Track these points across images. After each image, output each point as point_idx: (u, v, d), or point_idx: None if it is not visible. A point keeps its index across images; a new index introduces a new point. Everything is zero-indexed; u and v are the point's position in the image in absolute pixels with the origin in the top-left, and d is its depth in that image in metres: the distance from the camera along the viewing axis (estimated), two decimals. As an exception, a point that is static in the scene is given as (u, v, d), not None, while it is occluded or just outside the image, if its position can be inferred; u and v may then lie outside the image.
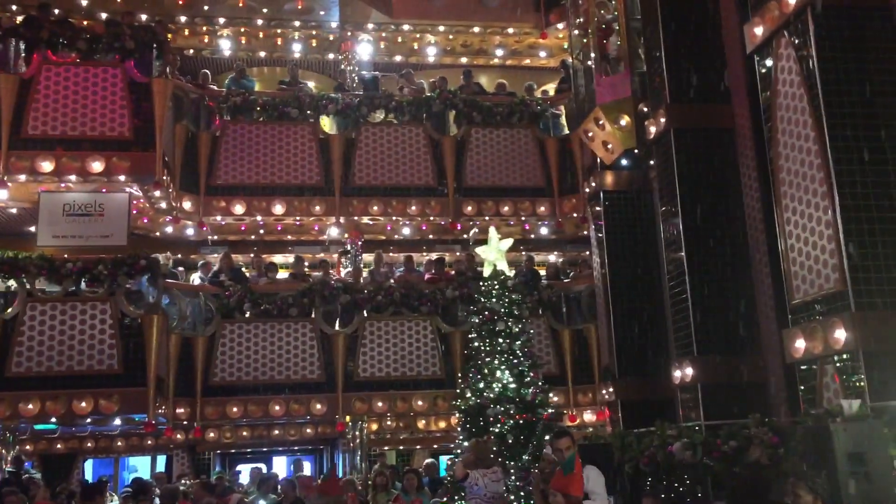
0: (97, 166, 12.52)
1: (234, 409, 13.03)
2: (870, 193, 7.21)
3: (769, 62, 8.30)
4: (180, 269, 15.30)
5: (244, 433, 15.31)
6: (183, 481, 13.57)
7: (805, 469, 4.92)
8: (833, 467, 5.23)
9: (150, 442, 15.54)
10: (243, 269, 15.17)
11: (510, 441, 10.19)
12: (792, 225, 7.86)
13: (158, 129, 12.90)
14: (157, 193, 13.14)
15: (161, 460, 16.72)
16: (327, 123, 15.26)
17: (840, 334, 6.90)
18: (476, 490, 7.64)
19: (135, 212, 13.67)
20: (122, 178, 12.73)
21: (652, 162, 11.88)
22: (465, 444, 10.22)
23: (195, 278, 14.69)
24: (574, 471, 5.21)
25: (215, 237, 15.63)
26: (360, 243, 15.71)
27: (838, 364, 7.02)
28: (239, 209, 14.45)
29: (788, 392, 8.59)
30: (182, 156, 14.38)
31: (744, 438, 7.33)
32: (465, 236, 15.92)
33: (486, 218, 15.04)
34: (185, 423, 13.25)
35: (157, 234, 15.10)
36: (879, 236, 7.07)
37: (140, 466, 17.04)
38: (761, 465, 7.11)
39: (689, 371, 9.67)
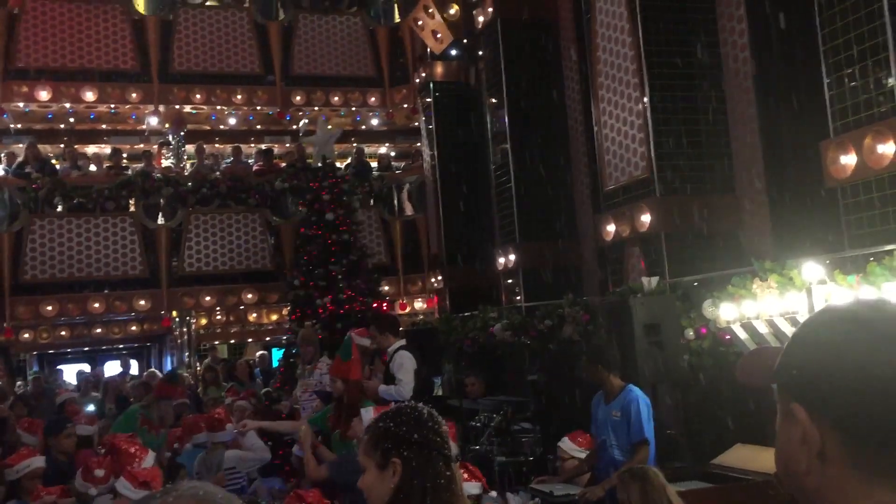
0: None
1: (49, 308, 12.35)
2: (677, 86, 7.64)
3: (590, -47, 8.44)
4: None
5: (63, 333, 14.60)
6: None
7: (601, 343, 5.32)
8: (631, 338, 5.70)
9: (-45, 345, 14.52)
10: (53, 161, 14.12)
11: (339, 327, 10.31)
12: (607, 115, 8.22)
13: (-58, 2, 11.53)
14: (-54, 75, 11.86)
15: (-29, 364, 15.70)
16: (140, 4, 14.19)
17: (645, 218, 7.39)
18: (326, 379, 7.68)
19: (-80, 96, 12.32)
20: None
21: (480, 53, 11.96)
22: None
23: (-3, 170, 13.54)
24: (352, 357, 5.38)
25: (19, 126, 14.37)
26: (182, 133, 14.97)
27: (643, 245, 7.55)
28: (44, 95, 13.31)
29: (600, 273, 9.19)
30: (-26, 34, 12.97)
31: (558, 317, 7.80)
32: (294, 127, 15.53)
33: (316, 108, 14.71)
34: (-7, 323, 12.46)
35: (-50, 121, 13.72)
36: (683, 126, 7.54)
37: (-53, 372, 15.94)
38: (573, 340, 7.62)
39: (512, 257, 10.08)
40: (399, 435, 2.15)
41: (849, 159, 5.19)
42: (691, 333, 5.82)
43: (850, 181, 5.24)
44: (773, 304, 4.75)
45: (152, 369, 14.11)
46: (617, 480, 3.76)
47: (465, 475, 3.70)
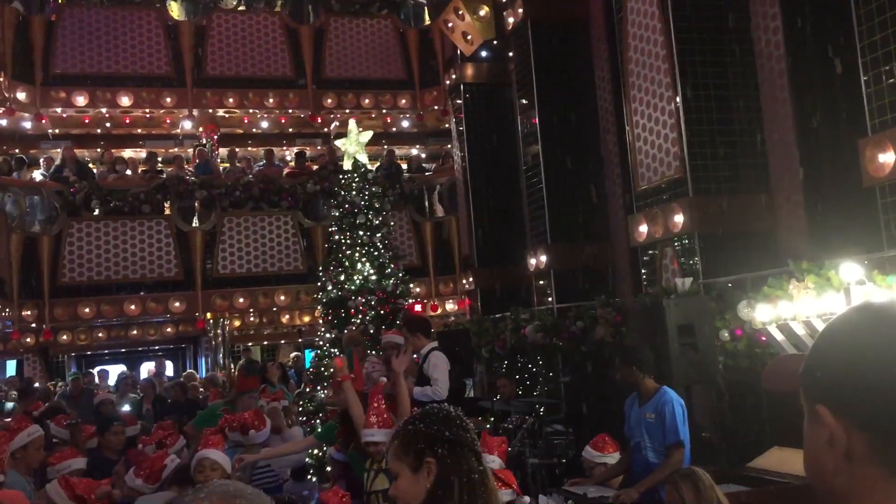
0: (-87, 51, 11.37)
1: (87, 310, 12.56)
2: (710, 85, 7.56)
3: (621, -48, 8.39)
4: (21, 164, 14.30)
5: (100, 334, 14.83)
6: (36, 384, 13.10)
7: (635, 345, 5.27)
8: (665, 340, 5.64)
9: (-4, 346, 14.81)
10: (90, 165, 14.37)
11: (371, 331, 10.35)
12: (639, 115, 8.15)
13: (-17, 11, 11.78)
14: (-14, 82, 12.12)
15: (11, 365, 16.00)
16: (175, 9, 14.38)
17: (679, 218, 7.32)
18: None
19: (-38, 102, 12.60)
20: (-57, 64, 11.65)
21: (511, 54, 11.93)
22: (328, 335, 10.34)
23: (36, 175, 13.80)
24: (354, 369, 5.33)
25: (57, 131, 14.65)
26: (215, 137, 15.15)
27: (676, 246, 7.48)
28: (81, 100, 13.55)
29: (633, 275, 9.12)
30: (13, 42, 13.22)
31: (590, 319, 7.76)
32: (325, 130, 15.64)
33: (347, 111, 14.78)
34: (33, 325, 12.68)
35: (-9, 127, 14.01)
36: (716, 125, 7.46)
37: (-12, 372, 16.26)
38: (605, 342, 7.57)
39: (543, 258, 10.04)
40: (431, 434, 2.15)
41: (887, 157, 5.09)
42: (726, 335, 5.75)
43: (888, 179, 5.14)
44: (811, 305, 4.68)
45: (190, 370, 14.30)
46: (651, 484, 3.71)
47: (497, 484, 3.66)
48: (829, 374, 0.99)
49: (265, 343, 16.82)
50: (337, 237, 11.07)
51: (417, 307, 12.26)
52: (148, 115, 14.41)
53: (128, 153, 15.29)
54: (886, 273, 4.49)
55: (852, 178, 5.65)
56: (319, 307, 11.43)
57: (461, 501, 2.08)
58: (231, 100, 14.30)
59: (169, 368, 16.25)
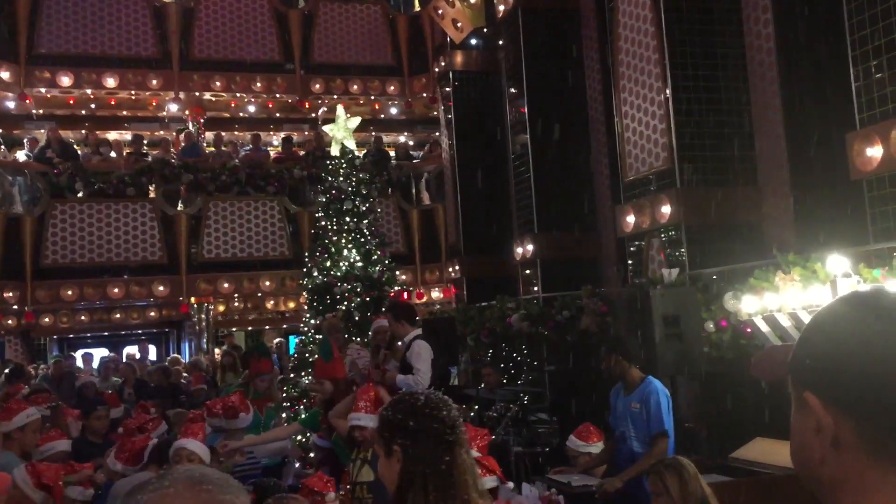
0: None
1: (69, 293, 12.46)
2: (699, 77, 7.56)
3: (612, -59, 8.36)
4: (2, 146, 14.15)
5: (83, 317, 14.71)
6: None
7: (621, 335, 5.28)
8: (650, 330, 5.64)
9: (-24, 328, 14.66)
10: (75, 146, 14.22)
11: (357, 318, 10.32)
12: (628, 105, 8.14)
13: (-34, -12, 11.61)
14: (-31, 60, 11.95)
15: (-8, 347, 15.86)
16: (162, -11, 14.25)
17: (666, 209, 7.33)
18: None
19: (-57, 80, 12.43)
20: (-76, 41, 11.48)
21: (501, 42, 11.89)
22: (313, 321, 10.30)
23: (20, 155, 13.64)
24: (334, 356, 5.32)
25: (41, 111, 14.48)
26: (202, 120, 15.02)
27: (663, 237, 7.49)
28: (66, 81, 13.40)
29: (619, 265, 9.13)
30: (-3, 20, 13.07)
31: (576, 309, 7.76)
32: (313, 115, 15.55)
33: (335, 96, 14.71)
34: (14, 307, 12.56)
35: (-27, 106, 13.83)
36: (705, 117, 7.46)
37: (-32, 354, 16.09)
38: (591, 332, 7.58)
39: (530, 247, 10.04)
40: (395, 423, 2.18)
41: (875, 151, 5.11)
42: (711, 326, 5.77)
43: (875, 173, 5.16)
44: (796, 297, 4.69)
45: (175, 355, 14.21)
46: (636, 473, 3.71)
47: (481, 471, 3.64)
48: (817, 362, 0.98)
49: (249, 328, 16.74)
50: (323, 223, 11.02)
51: (404, 295, 12.22)
52: (133, 97, 14.27)
53: (112, 135, 15.14)
54: (872, 266, 4.50)
55: (840, 171, 5.67)
56: (305, 293, 11.40)
57: (426, 492, 2.09)
58: (218, 83, 14.19)
59: (152, 353, 16.15)
